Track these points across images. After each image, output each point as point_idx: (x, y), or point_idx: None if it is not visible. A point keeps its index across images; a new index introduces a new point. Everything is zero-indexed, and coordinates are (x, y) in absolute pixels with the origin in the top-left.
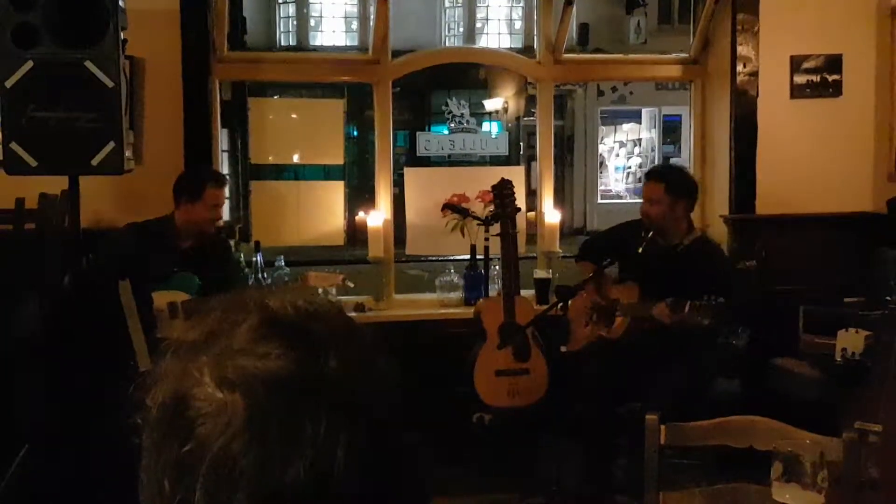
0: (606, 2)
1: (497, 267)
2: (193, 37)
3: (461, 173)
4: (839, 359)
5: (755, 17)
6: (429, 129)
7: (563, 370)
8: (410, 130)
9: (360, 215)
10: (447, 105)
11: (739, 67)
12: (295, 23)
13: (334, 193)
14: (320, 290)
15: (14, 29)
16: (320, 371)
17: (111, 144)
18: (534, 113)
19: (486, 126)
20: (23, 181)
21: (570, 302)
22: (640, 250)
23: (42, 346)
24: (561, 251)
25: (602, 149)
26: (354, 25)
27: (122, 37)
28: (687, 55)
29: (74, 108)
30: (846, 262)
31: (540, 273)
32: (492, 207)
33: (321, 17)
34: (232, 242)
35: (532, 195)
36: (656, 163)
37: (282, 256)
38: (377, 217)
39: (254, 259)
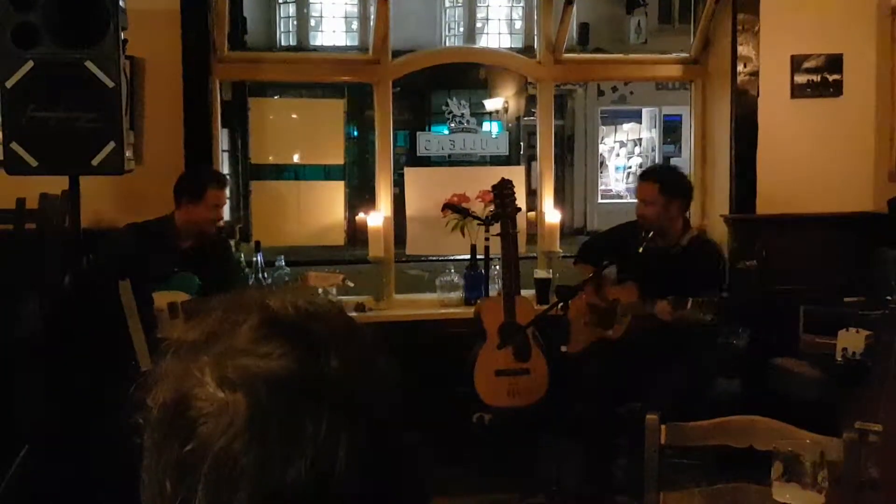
0: (607, 1)
1: (497, 267)
2: (194, 37)
3: (461, 173)
4: (839, 359)
5: (755, 17)
6: (429, 129)
7: (563, 370)
8: (411, 130)
9: (361, 215)
10: (447, 105)
11: (740, 67)
12: (295, 23)
13: (334, 193)
14: (320, 290)
15: (14, 29)
16: (321, 371)
17: (111, 144)
18: (534, 113)
19: (486, 126)
20: (23, 181)
21: (570, 302)
22: (641, 250)
23: (42, 346)
24: (561, 251)
25: (602, 149)
26: (355, 25)
27: (122, 37)
28: (687, 55)
29: (75, 108)
30: (846, 261)
31: (540, 273)
32: (492, 207)
33: (321, 17)
34: (232, 242)
35: (532, 195)
36: (657, 162)
37: (282, 256)
38: (377, 217)
39: (254, 259)
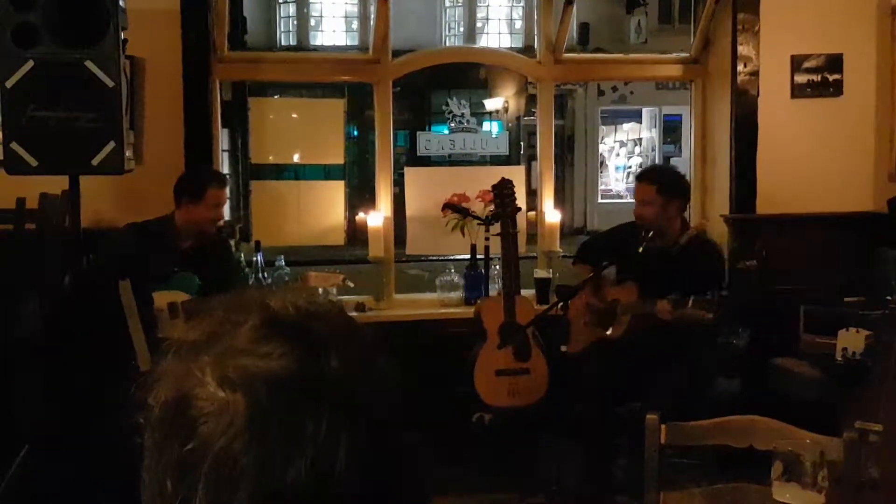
0: (607, 1)
1: (497, 266)
2: (194, 37)
3: (461, 173)
4: (839, 358)
5: (756, 17)
6: (429, 129)
7: (563, 370)
8: (411, 130)
9: (361, 215)
10: (447, 105)
11: (740, 67)
12: (295, 23)
13: (335, 193)
14: (321, 290)
15: (14, 29)
16: (321, 371)
17: (111, 144)
18: (534, 112)
19: (486, 126)
20: (23, 181)
21: (570, 302)
22: (641, 249)
23: (42, 346)
24: (561, 251)
25: (602, 148)
26: (355, 25)
27: (122, 37)
28: (687, 55)
29: (75, 107)
30: (846, 261)
31: (540, 273)
32: (492, 207)
33: (321, 16)
34: (232, 242)
35: (532, 195)
36: (657, 162)
37: (282, 256)
38: (377, 217)
39: (254, 259)
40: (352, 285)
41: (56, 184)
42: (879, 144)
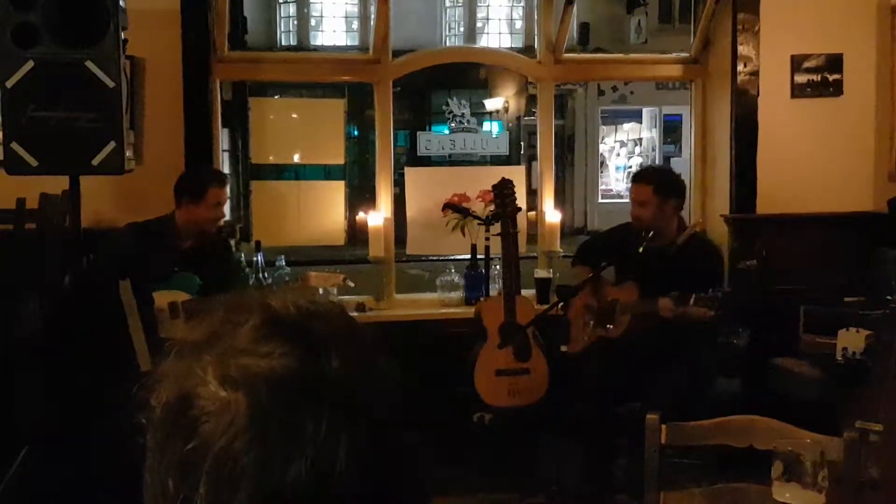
0: (607, 1)
1: (497, 266)
2: (194, 37)
3: (462, 173)
4: (839, 358)
5: (756, 17)
6: (429, 129)
7: (563, 370)
8: (411, 130)
9: (361, 215)
10: (448, 105)
11: (740, 67)
12: (295, 23)
13: (335, 193)
14: (321, 290)
15: (14, 29)
16: (322, 371)
17: (112, 144)
18: (534, 112)
19: (486, 126)
20: (23, 181)
21: (570, 302)
22: (641, 249)
23: (42, 346)
24: (561, 251)
25: (603, 148)
26: (355, 25)
27: (122, 37)
28: (687, 55)
29: (75, 108)
30: (846, 261)
31: (540, 273)
32: (492, 207)
33: (322, 16)
34: (232, 242)
35: (532, 195)
36: (657, 162)
37: (282, 256)
38: (378, 217)
39: (254, 259)
40: (352, 285)
41: (56, 184)
42: (879, 144)
